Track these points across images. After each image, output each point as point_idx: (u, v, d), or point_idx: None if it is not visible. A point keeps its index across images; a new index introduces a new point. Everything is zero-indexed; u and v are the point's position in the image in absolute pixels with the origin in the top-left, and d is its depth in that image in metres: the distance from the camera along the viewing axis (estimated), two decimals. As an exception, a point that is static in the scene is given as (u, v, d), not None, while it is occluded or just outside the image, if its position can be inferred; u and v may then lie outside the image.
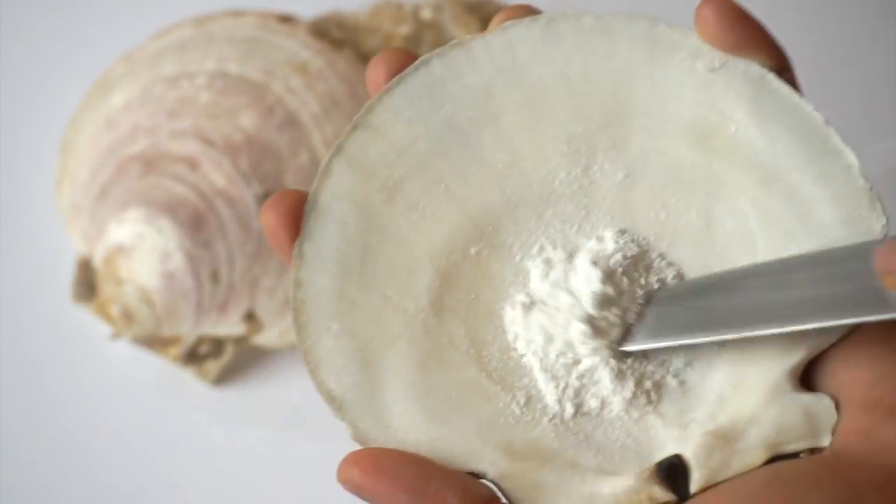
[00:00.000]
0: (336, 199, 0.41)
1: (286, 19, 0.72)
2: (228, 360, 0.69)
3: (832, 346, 0.38)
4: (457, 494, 0.36)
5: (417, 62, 0.42)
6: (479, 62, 0.42)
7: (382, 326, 0.40)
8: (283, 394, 0.69)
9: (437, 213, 0.41)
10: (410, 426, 0.38)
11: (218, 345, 0.69)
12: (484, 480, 0.38)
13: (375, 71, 0.42)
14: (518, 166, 0.42)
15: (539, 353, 0.40)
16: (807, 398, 0.37)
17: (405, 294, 0.40)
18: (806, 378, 0.38)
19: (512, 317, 0.41)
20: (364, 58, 0.72)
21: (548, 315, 0.40)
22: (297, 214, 0.40)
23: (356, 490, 0.37)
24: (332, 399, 0.39)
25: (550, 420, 0.39)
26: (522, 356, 0.40)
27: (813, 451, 0.37)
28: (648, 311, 0.40)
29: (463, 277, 0.41)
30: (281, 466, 0.68)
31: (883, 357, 0.37)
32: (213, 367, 0.69)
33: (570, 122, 0.42)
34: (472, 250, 0.41)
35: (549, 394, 0.39)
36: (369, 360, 0.39)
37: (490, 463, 0.38)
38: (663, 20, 0.42)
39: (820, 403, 0.37)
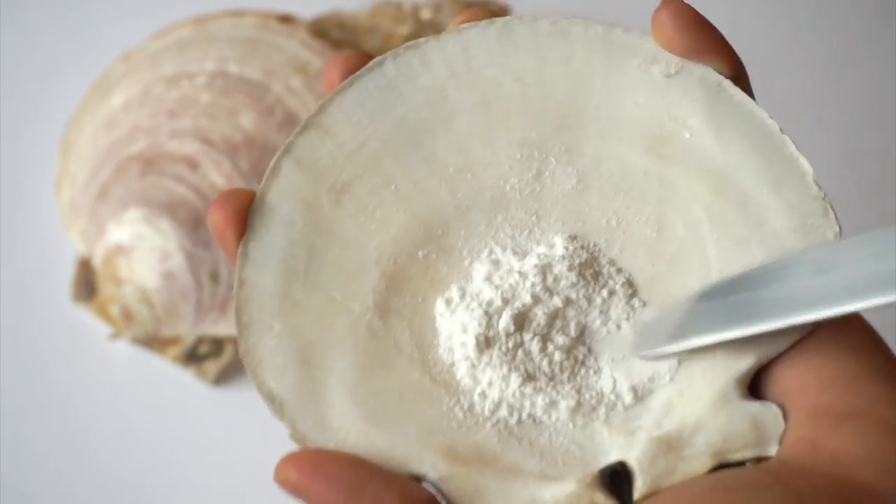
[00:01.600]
0: (283, 198, 0.40)
1: (286, 19, 0.72)
2: (228, 360, 0.69)
3: (781, 354, 0.37)
4: (394, 497, 0.35)
5: (371, 63, 0.41)
6: (433, 64, 0.41)
7: (326, 327, 0.39)
8: (283, 394, 0.69)
9: (386, 214, 0.41)
10: (351, 428, 0.37)
11: (218, 345, 0.69)
12: (425, 484, 0.37)
13: (331, 71, 0.41)
14: (470, 170, 0.41)
15: (471, 355, 0.39)
16: (754, 406, 0.37)
17: (350, 295, 0.40)
18: (754, 386, 0.37)
19: (440, 310, 0.40)
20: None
21: (470, 312, 0.40)
22: (245, 213, 0.39)
23: (292, 490, 0.36)
24: (271, 399, 0.38)
25: (494, 425, 0.38)
26: (453, 362, 0.39)
27: (759, 459, 0.36)
28: (687, 310, 0.39)
29: (410, 280, 0.40)
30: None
31: (831, 364, 0.36)
32: (213, 367, 0.69)
33: (523, 127, 0.41)
34: (421, 253, 0.41)
35: (475, 400, 0.39)
36: (311, 360, 0.39)
37: (430, 466, 0.37)
38: (620, 25, 0.41)
39: (767, 412, 0.36)
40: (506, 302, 0.40)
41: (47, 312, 0.71)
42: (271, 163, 0.40)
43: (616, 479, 0.36)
